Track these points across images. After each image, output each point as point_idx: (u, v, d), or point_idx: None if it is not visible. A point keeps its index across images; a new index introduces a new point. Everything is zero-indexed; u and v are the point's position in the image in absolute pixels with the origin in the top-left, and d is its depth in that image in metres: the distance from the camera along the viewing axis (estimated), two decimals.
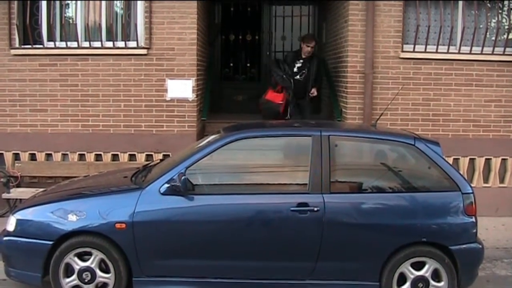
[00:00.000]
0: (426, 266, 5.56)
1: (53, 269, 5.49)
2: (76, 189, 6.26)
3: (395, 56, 8.93)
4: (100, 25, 8.81)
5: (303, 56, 9.50)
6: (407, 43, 9.06)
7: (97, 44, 8.81)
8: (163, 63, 8.72)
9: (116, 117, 8.79)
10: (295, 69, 9.53)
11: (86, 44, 8.80)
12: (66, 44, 8.78)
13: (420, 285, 5.55)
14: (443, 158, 5.79)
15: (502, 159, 9.16)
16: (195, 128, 8.80)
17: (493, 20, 9.31)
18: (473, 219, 5.63)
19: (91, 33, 8.76)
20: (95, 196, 5.83)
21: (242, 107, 12.17)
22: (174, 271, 5.57)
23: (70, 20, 8.98)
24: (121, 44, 8.84)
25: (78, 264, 5.50)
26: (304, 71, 9.52)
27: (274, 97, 9.52)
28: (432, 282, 5.57)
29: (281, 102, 9.44)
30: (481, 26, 9.20)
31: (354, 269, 5.57)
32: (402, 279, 5.57)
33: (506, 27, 9.37)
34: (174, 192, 5.41)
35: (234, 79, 13.17)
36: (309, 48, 9.37)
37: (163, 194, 5.45)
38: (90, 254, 5.50)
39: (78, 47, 8.77)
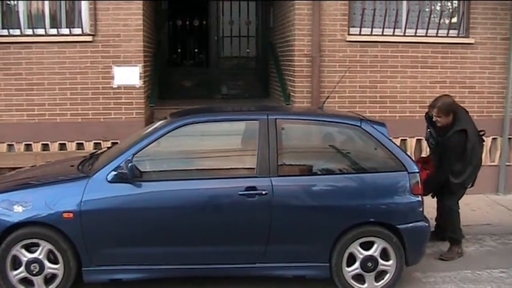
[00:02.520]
0: (375, 246, 5.64)
1: None
2: (22, 179, 6.12)
3: (341, 39, 8.99)
4: (43, 12, 8.62)
5: (437, 124, 6.82)
6: (353, 26, 9.13)
7: (40, 31, 8.62)
8: (109, 49, 8.59)
9: (62, 106, 8.63)
10: (428, 132, 7.16)
11: (30, 31, 8.60)
12: (9, 32, 8.56)
13: (369, 264, 5.63)
14: (389, 139, 5.87)
15: None
16: (143, 115, 8.72)
17: (437, 3, 9.46)
18: (420, 198, 5.73)
19: (34, 20, 8.58)
20: (41, 186, 5.72)
21: (191, 92, 12.10)
22: (124, 259, 5.52)
23: (12, 7, 8.77)
24: (65, 31, 8.67)
25: (25, 256, 5.39)
26: (433, 143, 7.02)
27: None
28: (380, 261, 5.65)
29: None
30: (426, 9, 9.34)
31: (304, 251, 5.61)
32: (352, 259, 5.65)
33: (450, 10, 9.54)
34: (121, 180, 5.35)
35: (182, 65, 13.08)
36: (437, 118, 6.69)
37: (110, 182, 5.38)
38: (37, 245, 5.40)
39: (21, 35, 8.57)
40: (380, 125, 5.97)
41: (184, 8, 12.54)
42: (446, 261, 6.71)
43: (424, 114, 7.14)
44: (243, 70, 12.82)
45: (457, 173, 6.68)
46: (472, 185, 7.01)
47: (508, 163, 9.56)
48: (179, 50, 12.94)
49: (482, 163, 6.97)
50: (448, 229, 6.92)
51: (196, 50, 13.08)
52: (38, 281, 5.42)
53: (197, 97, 11.43)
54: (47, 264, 5.42)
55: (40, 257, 5.39)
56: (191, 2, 12.43)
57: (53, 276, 5.45)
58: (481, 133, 6.88)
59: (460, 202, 6.92)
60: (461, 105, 6.94)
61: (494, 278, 6.24)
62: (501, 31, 9.33)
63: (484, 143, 7.05)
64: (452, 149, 6.59)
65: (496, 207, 8.60)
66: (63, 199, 5.40)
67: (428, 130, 7.03)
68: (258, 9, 12.75)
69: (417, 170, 5.77)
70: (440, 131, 6.78)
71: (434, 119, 6.75)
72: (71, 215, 5.32)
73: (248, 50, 12.91)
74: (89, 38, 8.54)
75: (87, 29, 8.60)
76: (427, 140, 7.17)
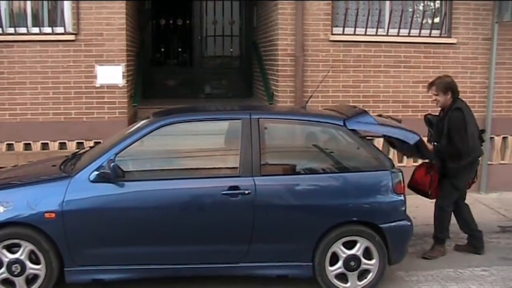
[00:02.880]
0: (358, 245, 5.65)
1: None
2: (3, 179, 6.06)
3: (325, 39, 9.01)
4: (25, 10, 8.56)
5: (437, 105, 6.90)
6: (336, 26, 9.16)
7: (23, 30, 8.57)
8: (91, 48, 8.54)
9: (45, 105, 8.58)
10: (429, 134, 7.11)
11: (11, 30, 8.54)
12: None
13: (352, 263, 5.64)
14: (378, 124, 5.92)
15: None
16: (126, 114, 8.69)
17: (420, 3, 9.52)
18: (402, 197, 5.76)
19: (16, 19, 8.51)
20: (23, 186, 5.68)
21: (174, 92, 12.04)
22: (107, 259, 5.49)
23: None
24: (48, 30, 8.63)
25: (6, 257, 5.33)
26: (433, 129, 6.97)
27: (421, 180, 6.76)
28: (363, 260, 5.67)
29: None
30: (409, 9, 9.39)
31: (287, 251, 5.61)
32: (335, 258, 5.65)
33: (433, 10, 9.60)
34: (103, 179, 5.32)
35: (165, 64, 13.06)
36: (435, 97, 6.77)
37: (92, 181, 5.35)
38: (19, 245, 5.35)
39: (3, 34, 8.49)
40: (363, 116, 6.00)
41: (168, 7, 12.52)
42: (429, 259, 6.74)
43: (423, 117, 7.12)
44: (226, 70, 12.81)
45: (455, 156, 6.62)
46: (469, 187, 7.02)
47: (490, 162, 9.64)
48: (162, 50, 12.92)
49: None
50: (436, 228, 6.91)
51: (179, 50, 13.07)
52: (19, 281, 5.37)
53: (181, 97, 11.38)
54: (29, 264, 5.37)
55: (22, 257, 5.34)
56: (174, 1, 12.41)
57: (35, 277, 5.41)
58: (481, 131, 6.94)
59: (430, 202, 6.96)
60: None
61: (476, 276, 6.29)
62: (483, 31, 9.41)
63: (483, 143, 7.08)
64: (457, 125, 6.56)
65: (478, 206, 8.66)
66: (45, 199, 5.36)
67: (429, 133, 7.02)
68: (242, 9, 12.75)
69: (418, 138, 5.88)
70: (441, 110, 6.81)
71: (433, 98, 6.78)
72: (53, 215, 5.29)
73: (231, 50, 12.92)
74: (71, 37, 8.50)
75: (69, 28, 8.56)
76: (428, 142, 7.14)
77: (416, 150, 6.14)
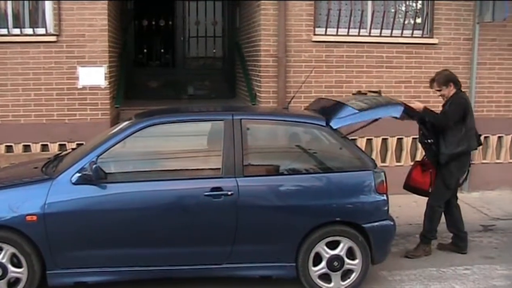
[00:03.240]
0: (341, 245, 5.66)
1: None
2: None
3: (307, 40, 9.02)
4: (5, 11, 8.50)
5: (443, 99, 6.93)
6: (319, 27, 9.18)
7: (3, 31, 8.50)
8: (73, 50, 8.49)
9: (26, 107, 8.51)
10: (421, 133, 7.10)
11: None
12: None
13: (336, 263, 5.65)
14: (362, 110, 5.88)
15: (413, 138, 9.40)
16: (108, 116, 8.65)
17: (402, 4, 9.56)
18: (385, 197, 5.78)
19: None
20: (4, 189, 5.60)
21: (157, 93, 12.02)
22: (89, 261, 5.45)
23: None
24: (29, 31, 8.56)
25: None
26: (426, 142, 6.92)
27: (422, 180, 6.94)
28: (347, 260, 5.68)
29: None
30: (392, 10, 9.43)
31: (270, 251, 5.61)
32: (318, 258, 5.66)
33: (415, 10, 9.65)
34: (85, 182, 5.29)
35: (148, 65, 13.04)
36: (439, 91, 6.85)
37: (74, 184, 5.31)
38: (0, 249, 5.30)
39: None
40: (343, 109, 5.96)
41: (150, 8, 12.49)
42: (412, 259, 6.76)
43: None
44: (209, 71, 12.82)
45: (449, 143, 6.63)
46: (458, 186, 7.09)
47: (472, 162, 9.67)
48: (145, 51, 12.92)
49: None
50: (425, 227, 6.91)
51: (162, 51, 13.05)
52: (1, 285, 5.32)
53: (164, 98, 11.34)
54: (11, 268, 5.32)
55: (3, 261, 5.30)
56: (157, 2, 12.37)
57: (16, 280, 5.37)
58: (479, 134, 6.97)
59: (423, 199, 6.97)
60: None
61: (459, 275, 6.32)
62: (465, 32, 9.48)
63: (480, 146, 7.17)
64: (456, 104, 6.62)
65: (460, 205, 8.69)
66: (26, 202, 5.32)
67: (421, 131, 6.99)
68: (225, 9, 12.76)
69: (403, 108, 6.01)
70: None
71: (437, 94, 6.89)
72: (34, 218, 5.24)
73: (214, 51, 12.93)
74: (53, 38, 8.45)
75: (51, 29, 8.51)
76: (420, 142, 7.11)
77: (406, 115, 6.32)
